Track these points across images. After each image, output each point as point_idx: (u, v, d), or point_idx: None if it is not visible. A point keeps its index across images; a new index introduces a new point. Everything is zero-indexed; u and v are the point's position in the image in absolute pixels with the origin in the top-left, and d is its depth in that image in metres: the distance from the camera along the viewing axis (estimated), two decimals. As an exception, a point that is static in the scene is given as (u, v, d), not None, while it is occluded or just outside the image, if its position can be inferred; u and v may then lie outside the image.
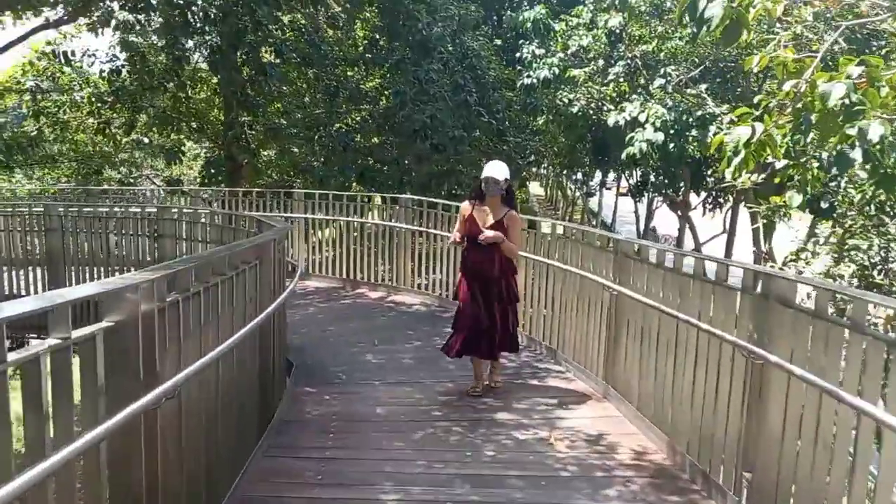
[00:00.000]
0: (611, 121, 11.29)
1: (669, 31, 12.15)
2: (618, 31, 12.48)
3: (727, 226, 17.63)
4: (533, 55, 13.50)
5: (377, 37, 13.67)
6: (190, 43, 12.57)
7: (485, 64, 13.88)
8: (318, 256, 9.24)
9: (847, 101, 3.61)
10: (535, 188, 40.32)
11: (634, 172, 18.05)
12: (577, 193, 32.16)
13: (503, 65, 15.77)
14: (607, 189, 29.13)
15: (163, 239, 7.31)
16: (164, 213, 7.46)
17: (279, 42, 12.22)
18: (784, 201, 7.14)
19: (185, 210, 7.55)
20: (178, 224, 7.18)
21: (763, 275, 3.26)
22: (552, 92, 13.38)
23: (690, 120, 10.66)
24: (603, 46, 12.82)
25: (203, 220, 7.01)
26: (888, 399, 2.37)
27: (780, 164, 5.20)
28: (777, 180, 5.62)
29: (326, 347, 6.21)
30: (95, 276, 7.63)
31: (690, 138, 10.71)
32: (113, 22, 11.53)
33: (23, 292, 7.90)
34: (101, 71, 12.91)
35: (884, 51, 8.25)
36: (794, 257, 7.28)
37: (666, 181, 15.39)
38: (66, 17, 11.73)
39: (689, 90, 11.69)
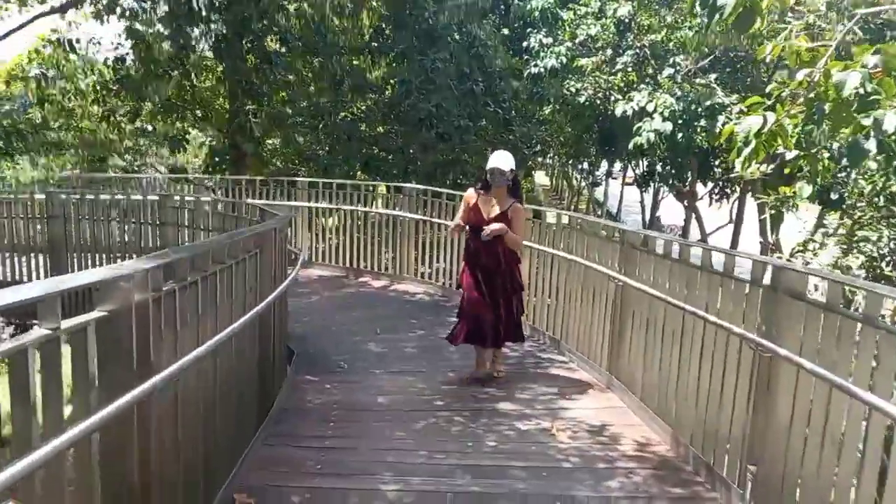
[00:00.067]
0: (618, 110, 11.18)
1: (679, 21, 11.99)
2: (626, 20, 12.33)
3: (733, 216, 17.49)
4: (540, 44, 13.37)
5: (383, 25, 13.55)
6: (195, 31, 12.48)
7: (491, 53, 13.74)
8: (321, 245, 9.20)
9: (862, 90, 3.53)
10: (540, 178, 40.16)
11: (641, 162, 17.90)
12: (583, 183, 32.00)
13: (510, 54, 15.61)
14: (613, 179, 28.94)
15: (165, 227, 7.27)
16: (167, 201, 7.42)
17: (284, 31, 12.14)
18: (793, 192, 7.05)
19: (187, 198, 7.50)
20: (180, 212, 7.14)
21: (773, 266, 3.19)
22: (559, 81, 13.26)
23: (699, 110, 10.54)
24: (611, 36, 12.67)
25: (206, 208, 6.97)
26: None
27: (790, 155, 5.12)
28: (787, 171, 5.53)
29: (328, 336, 6.17)
30: (98, 263, 7.62)
31: (699, 128, 10.59)
32: (118, 9, 11.49)
33: (25, 279, 7.90)
34: (106, 59, 12.87)
35: (898, 40, 8.12)
36: (801, 248, 7.20)
37: (673, 171, 15.26)
38: (70, 3, 11.68)
39: (698, 80, 11.55)
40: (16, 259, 8.10)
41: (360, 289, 8.19)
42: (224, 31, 11.49)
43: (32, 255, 8.08)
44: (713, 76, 11.51)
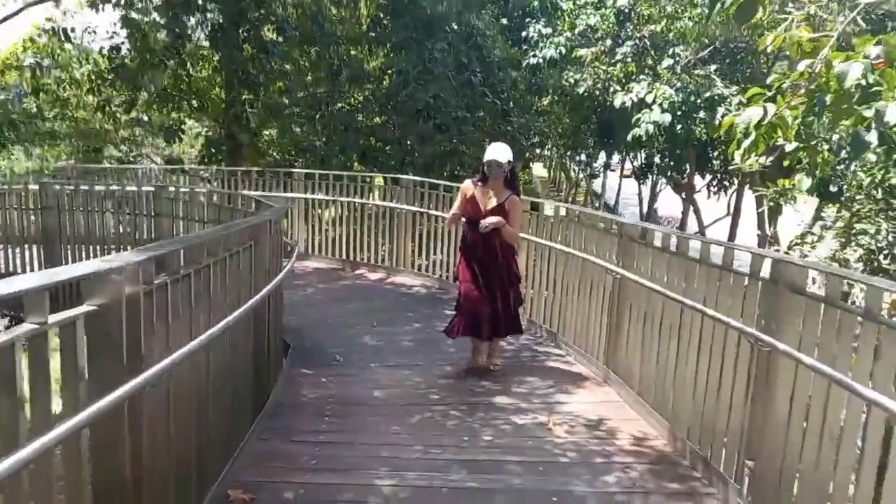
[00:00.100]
0: (617, 101, 11.12)
1: (679, 11, 11.91)
2: (626, 10, 12.25)
3: (731, 209, 17.47)
4: (539, 34, 13.29)
5: (381, 15, 13.44)
6: (191, 20, 12.37)
7: (490, 43, 13.63)
8: (317, 237, 9.15)
9: (864, 81, 3.48)
10: (538, 169, 40.05)
11: (639, 154, 17.84)
12: (581, 175, 31.93)
13: (509, 44, 15.49)
14: (611, 171, 28.87)
15: (160, 218, 7.22)
16: (162, 192, 7.36)
17: (281, 20, 12.02)
18: (792, 184, 7.02)
19: (182, 189, 7.44)
20: (175, 203, 7.09)
21: (773, 260, 3.16)
22: (558, 72, 13.19)
23: (698, 101, 10.50)
24: (611, 26, 12.59)
25: (201, 199, 6.91)
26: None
27: (789, 147, 5.07)
28: (786, 163, 5.49)
29: (324, 329, 6.14)
30: (92, 254, 7.56)
31: (698, 120, 10.54)
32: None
33: (19, 270, 7.85)
34: (101, 48, 12.75)
35: (899, 31, 8.06)
36: (799, 241, 7.18)
37: (671, 163, 15.21)
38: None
39: (697, 71, 11.49)
40: (9, 250, 8.04)
41: (357, 281, 8.15)
42: (220, 20, 11.37)
43: (26, 246, 8.03)
44: (713, 67, 11.45)
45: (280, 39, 12.09)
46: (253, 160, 13.27)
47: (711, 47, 11.89)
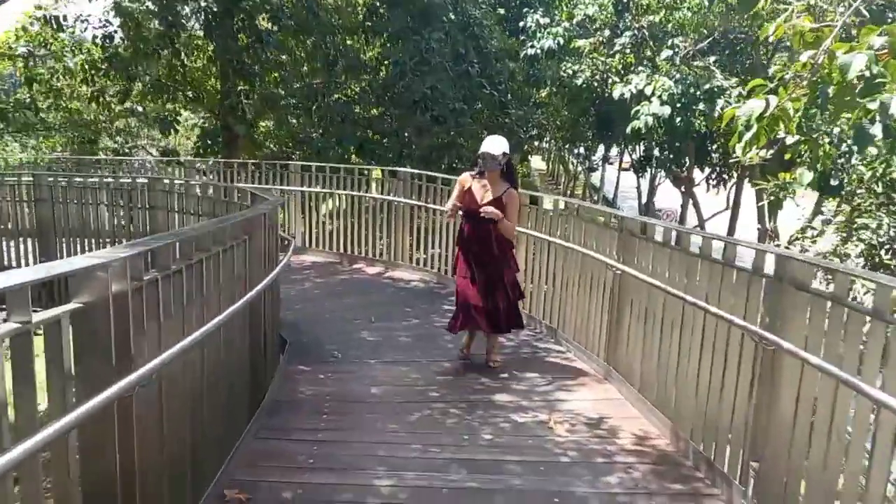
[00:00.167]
0: (616, 93, 11.04)
1: (678, 1, 11.81)
2: (625, 0, 12.15)
3: (730, 202, 17.42)
4: (537, 24, 13.17)
5: (377, 4, 13.30)
6: (185, 8, 12.22)
7: (487, 33, 13.51)
8: (315, 230, 9.07)
9: (867, 73, 3.41)
10: (536, 162, 39.98)
11: (638, 147, 17.77)
12: (579, 168, 31.84)
13: (506, 34, 15.37)
14: (610, 164, 28.80)
15: (155, 211, 7.13)
16: (156, 185, 7.27)
17: (276, 9, 11.88)
18: (793, 178, 6.95)
19: (177, 182, 7.35)
20: (169, 196, 7.00)
21: (777, 256, 3.09)
22: (556, 63, 13.09)
23: (698, 93, 10.42)
24: (609, 16, 12.49)
25: (196, 192, 6.82)
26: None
27: (790, 140, 5.00)
28: (787, 157, 5.43)
29: (322, 324, 6.07)
30: (86, 248, 7.48)
31: (697, 112, 10.47)
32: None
33: (13, 264, 7.76)
34: (95, 36, 12.58)
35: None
36: (799, 235, 7.13)
37: (670, 156, 15.15)
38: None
39: (696, 62, 11.41)
40: (3, 243, 7.94)
41: (354, 275, 8.08)
42: (214, 9, 11.23)
43: (21, 239, 7.93)
44: (712, 58, 11.38)
45: (275, 29, 11.96)
46: (249, 152, 13.16)
47: (711, 38, 11.80)
